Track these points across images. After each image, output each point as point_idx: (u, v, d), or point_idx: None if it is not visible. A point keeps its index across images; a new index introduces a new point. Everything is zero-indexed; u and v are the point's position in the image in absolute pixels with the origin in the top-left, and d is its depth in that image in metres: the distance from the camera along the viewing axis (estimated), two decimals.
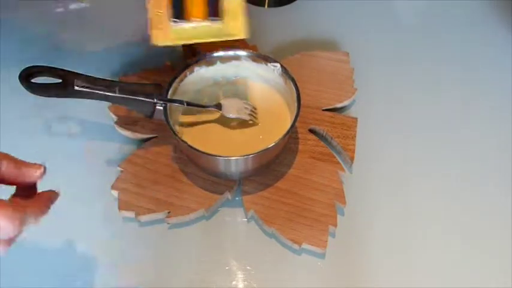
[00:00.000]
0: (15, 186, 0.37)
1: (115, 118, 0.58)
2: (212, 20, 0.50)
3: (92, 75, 0.50)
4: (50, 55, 0.62)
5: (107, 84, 0.49)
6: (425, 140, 0.59)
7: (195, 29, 0.50)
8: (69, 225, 0.49)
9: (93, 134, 0.58)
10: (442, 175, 0.56)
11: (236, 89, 0.58)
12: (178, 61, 0.63)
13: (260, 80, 0.58)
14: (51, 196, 0.39)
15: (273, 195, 0.52)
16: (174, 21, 0.49)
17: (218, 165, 0.51)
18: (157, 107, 0.50)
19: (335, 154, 0.56)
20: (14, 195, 0.37)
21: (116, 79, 0.59)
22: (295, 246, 0.50)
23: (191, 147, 0.48)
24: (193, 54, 0.61)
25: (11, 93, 0.59)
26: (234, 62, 0.57)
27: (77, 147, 0.57)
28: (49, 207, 0.38)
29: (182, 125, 0.55)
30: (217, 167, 0.52)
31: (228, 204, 0.53)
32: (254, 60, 0.56)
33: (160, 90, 0.51)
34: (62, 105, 0.55)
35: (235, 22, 0.50)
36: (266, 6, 0.74)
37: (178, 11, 0.50)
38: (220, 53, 0.56)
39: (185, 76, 0.55)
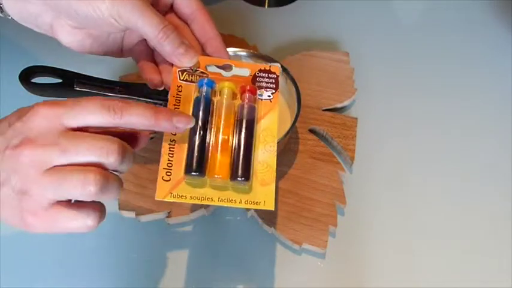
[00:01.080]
0: None
1: None
2: (237, 181, 0.39)
3: (92, 75, 0.50)
4: (50, 55, 0.62)
5: (107, 84, 0.49)
6: (425, 140, 0.59)
7: (211, 187, 0.39)
8: None
9: None
10: (442, 175, 0.56)
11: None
12: None
13: None
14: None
15: None
16: (189, 175, 0.39)
17: None
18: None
19: (335, 154, 0.56)
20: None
21: (116, 79, 0.59)
22: (295, 246, 0.50)
23: None
24: None
25: (11, 93, 0.59)
26: None
27: None
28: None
29: None
30: None
31: None
32: (254, 60, 0.56)
33: (160, 90, 0.51)
34: None
35: (264, 189, 0.39)
36: (266, 6, 0.74)
37: (197, 164, 0.39)
38: None
39: None
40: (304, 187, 0.53)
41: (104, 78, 0.50)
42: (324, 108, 0.59)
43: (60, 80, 0.48)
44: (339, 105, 0.60)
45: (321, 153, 0.56)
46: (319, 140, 0.57)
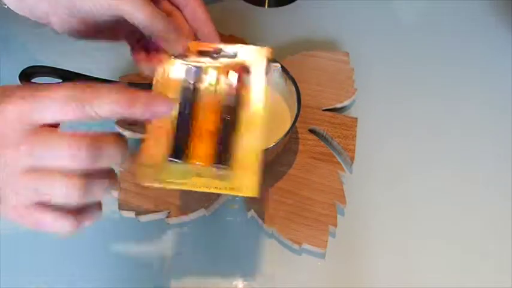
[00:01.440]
0: None
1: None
2: (218, 167, 0.39)
3: (92, 75, 0.50)
4: (50, 55, 0.62)
5: (107, 84, 0.49)
6: (425, 140, 0.59)
7: (194, 173, 0.39)
8: None
9: None
10: (442, 175, 0.56)
11: None
12: None
13: None
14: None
15: (273, 195, 0.52)
16: (171, 160, 0.39)
17: None
18: None
19: (335, 154, 0.56)
20: None
21: (116, 79, 0.59)
22: (295, 246, 0.50)
23: None
24: None
25: None
26: None
27: None
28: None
29: None
30: None
31: (228, 204, 0.53)
32: None
33: None
34: None
35: (246, 175, 0.39)
36: (266, 6, 0.74)
37: (179, 150, 0.39)
38: None
39: None
40: (304, 187, 0.53)
41: (104, 78, 0.50)
42: (324, 108, 0.59)
43: (60, 80, 0.48)
44: (339, 105, 0.60)
45: (321, 153, 0.56)
46: (319, 140, 0.57)
